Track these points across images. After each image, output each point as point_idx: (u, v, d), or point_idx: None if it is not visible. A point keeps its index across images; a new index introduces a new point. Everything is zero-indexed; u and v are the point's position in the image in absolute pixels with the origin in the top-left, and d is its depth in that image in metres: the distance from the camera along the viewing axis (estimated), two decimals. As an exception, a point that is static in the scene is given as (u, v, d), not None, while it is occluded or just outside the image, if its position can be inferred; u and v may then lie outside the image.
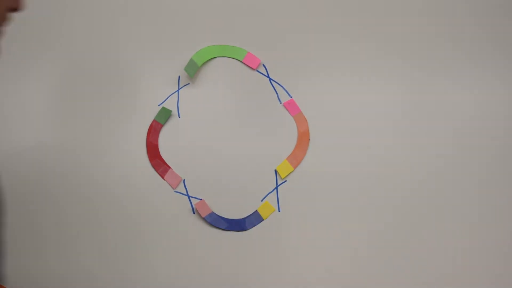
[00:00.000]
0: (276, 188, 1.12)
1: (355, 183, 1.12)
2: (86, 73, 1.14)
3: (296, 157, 1.12)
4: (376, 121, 1.13)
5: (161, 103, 1.13)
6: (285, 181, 1.12)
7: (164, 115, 1.12)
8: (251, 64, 1.13)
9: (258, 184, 1.12)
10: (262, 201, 1.12)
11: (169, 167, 1.12)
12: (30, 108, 1.12)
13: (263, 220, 1.11)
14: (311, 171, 1.12)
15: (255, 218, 1.10)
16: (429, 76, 1.14)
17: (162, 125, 1.12)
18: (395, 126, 1.13)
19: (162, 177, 1.11)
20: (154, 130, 1.12)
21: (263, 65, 1.14)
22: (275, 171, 1.12)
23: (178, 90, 1.13)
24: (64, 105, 1.13)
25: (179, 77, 1.13)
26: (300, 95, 1.14)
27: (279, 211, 1.11)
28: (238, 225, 1.10)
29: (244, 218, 1.11)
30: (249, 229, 1.11)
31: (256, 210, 1.11)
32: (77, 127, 1.13)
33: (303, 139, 1.12)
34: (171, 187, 1.11)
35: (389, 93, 1.14)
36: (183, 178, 1.12)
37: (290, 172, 1.12)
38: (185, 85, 1.13)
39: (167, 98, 1.13)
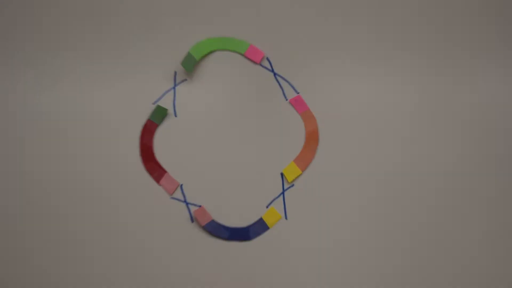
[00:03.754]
0: (283, 193, 1.04)
1: (369, 187, 1.05)
2: (71, 68, 1.06)
3: (304, 159, 1.04)
4: (393, 119, 1.06)
5: (156, 101, 1.06)
6: (293, 185, 1.04)
7: (159, 114, 1.04)
8: (254, 58, 1.06)
9: (263, 189, 1.05)
10: (267, 207, 1.04)
11: (165, 171, 1.04)
12: (14, 107, 1.05)
13: (268, 228, 1.04)
14: (321, 174, 1.05)
15: (259, 227, 1.03)
16: (451, 72, 1.07)
17: (157, 125, 1.04)
18: (414, 125, 1.06)
19: (158, 182, 1.04)
20: (148, 131, 1.04)
21: (267, 59, 1.07)
22: (282, 174, 1.04)
23: (174, 87, 1.06)
24: (50, 103, 1.06)
25: (175, 72, 1.06)
26: (308, 91, 1.06)
27: (286, 219, 1.04)
28: (241, 234, 1.03)
29: (247, 227, 1.04)
30: (253, 238, 1.04)
31: (261, 218, 1.04)
32: (63, 128, 1.05)
33: (312, 139, 1.05)
34: (168, 193, 1.04)
35: (407, 89, 1.07)
36: (180, 183, 1.04)
37: (298, 176, 1.04)
38: (182, 81, 1.06)
39: (162, 96, 1.06)
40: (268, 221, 1.04)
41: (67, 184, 1.03)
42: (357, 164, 1.05)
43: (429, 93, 1.07)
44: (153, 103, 1.05)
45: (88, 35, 1.06)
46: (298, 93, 1.06)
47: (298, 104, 1.06)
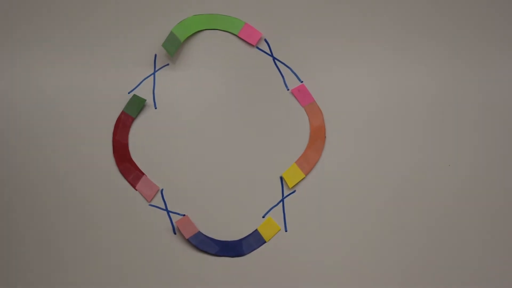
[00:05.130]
0: (282, 200, 0.97)
1: (384, 193, 0.97)
2: (37, 50, 1.00)
3: (308, 160, 0.97)
4: (412, 113, 0.98)
5: (131, 90, 0.99)
6: (294, 191, 0.98)
7: (135, 106, 0.98)
8: (250, 39, 1.00)
9: (259, 195, 0.98)
10: (264, 217, 0.98)
11: (143, 174, 0.97)
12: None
13: (265, 242, 0.97)
14: (327, 178, 0.98)
15: (254, 240, 0.97)
16: (475, 56, 1.00)
17: (133, 119, 0.98)
18: (435, 120, 0.98)
19: (134, 187, 0.97)
20: (123, 125, 0.98)
21: (265, 41, 1.00)
22: (281, 178, 0.98)
23: (154, 73, 1.00)
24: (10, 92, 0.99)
25: (155, 55, 1.00)
26: (313, 80, 0.99)
27: (286, 231, 0.98)
28: (233, 249, 0.97)
29: (240, 240, 0.97)
30: (247, 253, 0.97)
31: (256, 230, 0.97)
32: (28, 122, 0.98)
33: (317, 136, 0.98)
34: (146, 199, 0.97)
35: (425, 80, 0.99)
36: (160, 188, 0.98)
37: (301, 180, 0.97)
38: (163, 66, 1.00)
39: (139, 84, 0.99)
40: (264, 233, 0.98)
41: (28, 185, 0.98)
42: (370, 166, 0.98)
43: (449, 84, 1.00)
44: (129, 92, 0.99)
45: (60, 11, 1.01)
46: (301, 81, 0.99)
47: (302, 94, 0.99)
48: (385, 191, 0.97)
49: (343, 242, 0.97)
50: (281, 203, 0.97)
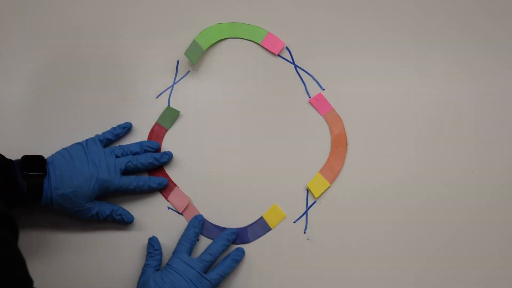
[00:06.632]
0: (306, 213, 0.93)
1: (411, 200, 0.94)
2: (63, 61, 0.98)
3: (331, 169, 0.94)
4: (436, 117, 0.97)
5: (159, 95, 0.97)
6: (315, 202, 0.94)
7: (169, 117, 0.96)
8: (272, 48, 0.97)
9: (283, 207, 0.94)
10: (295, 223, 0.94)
11: (175, 185, 0.94)
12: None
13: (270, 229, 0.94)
14: (350, 186, 0.94)
15: (260, 228, 0.94)
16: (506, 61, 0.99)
17: (166, 130, 0.96)
18: (460, 125, 0.97)
19: (166, 198, 0.93)
20: (156, 137, 0.95)
21: (287, 49, 0.98)
22: (307, 189, 0.94)
23: (174, 82, 0.98)
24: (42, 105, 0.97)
25: (177, 62, 0.98)
26: (335, 87, 0.97)
27: (304, 233, 0.93)
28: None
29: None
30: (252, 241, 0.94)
31: (261, 217, 0.94)
32: (53, 132, 0.96)
33: (339, 144, 0.95)
34: (177, 211, 0.93)
35: (453, 83, 0.98)
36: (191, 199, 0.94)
37: (326, 189, 0.93)
38: (185, 75, 0.98)
39: (163, 92, 0.97)
40: (270, 221, 0.94)
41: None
42: (396, 173, 0.95)
43: (486, 90, 0.99)
44: (156, 97, 0.97)
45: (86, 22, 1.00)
46: (323, 89, 0.98)
47: (320, 104, 0.97)
48: (411, 196, 0.94)
49: (367, 252, 0.93)
50: (304, 214, 0.93)
